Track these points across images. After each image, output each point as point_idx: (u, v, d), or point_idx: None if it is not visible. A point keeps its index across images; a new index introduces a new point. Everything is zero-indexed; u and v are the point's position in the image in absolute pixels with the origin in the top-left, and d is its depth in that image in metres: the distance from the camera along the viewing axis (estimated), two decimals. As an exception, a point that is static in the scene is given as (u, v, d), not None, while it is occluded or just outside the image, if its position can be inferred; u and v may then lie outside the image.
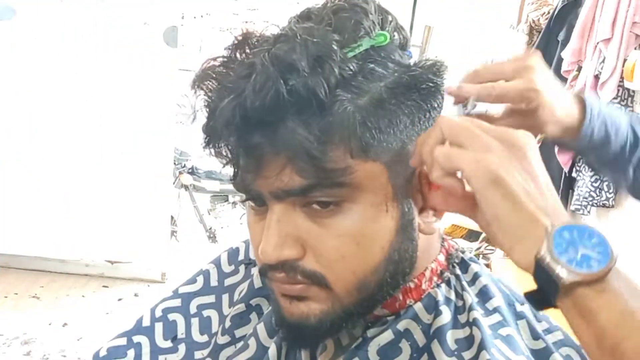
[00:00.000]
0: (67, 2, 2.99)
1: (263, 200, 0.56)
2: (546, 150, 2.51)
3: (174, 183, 3.67)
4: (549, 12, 2.72)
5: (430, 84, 0.56)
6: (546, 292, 0.47)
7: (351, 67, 0.53)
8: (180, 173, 3.81)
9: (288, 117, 0.51)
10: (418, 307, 0.61)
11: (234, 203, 4.08)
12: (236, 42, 0.55)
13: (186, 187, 3.85)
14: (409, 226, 0.57)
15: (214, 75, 0.54)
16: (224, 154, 0.55)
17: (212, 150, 0.55)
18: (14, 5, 2.99)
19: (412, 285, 0.62)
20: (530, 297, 0.50)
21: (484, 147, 0.49)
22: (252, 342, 0.68)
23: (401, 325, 0.60)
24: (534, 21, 2.80)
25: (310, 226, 0.55)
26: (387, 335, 0.60)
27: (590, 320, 0.45)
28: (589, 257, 0.46)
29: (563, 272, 0.45)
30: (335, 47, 0.52)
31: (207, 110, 0.54)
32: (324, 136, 0.51)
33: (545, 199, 0.49)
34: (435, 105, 0.57)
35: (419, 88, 0.56)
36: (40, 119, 3.08)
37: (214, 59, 0.55)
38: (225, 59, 0.55)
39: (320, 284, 0.56)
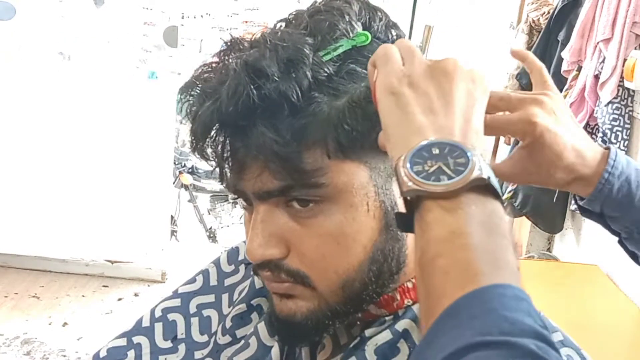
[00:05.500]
0: (66, 2, 2.99)
1: (250, 200, 0.58)
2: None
3: (174, 183, 3.67)
4: (549, 12, 2.72)
5: None
6: (405, 204, 0.46)
7: (326, 69, 0.53)
8: (180, 173, 3.81)
9: (259, 122, 0.52)
10: (417, 307, 0.61)
11: (234, 203, 4.08)
12: (225, 47, 0.57)
13: (186, 187, 3.85)
14: (394, 225, 0.57)
15: (197, 82, 0.56)
16: (210, 156, 0.57)
17: (198, 153, 0.57)
18: (14, 5, 2.99)
19: (409, 285, 0.62)
20: (398, 215, 0.49)
21: (416, 65, 0.50)
22: (252, 340, 0.68)
23: (400, 326, 0.60)
24: (534, 21, 2.80)
25: (293, 226, 0.56)
26: (385, 335, 0.60)
27: (423, 233, 0.44)
28: (442, 172, 0.43)
29: (406, 180, 0.44)
30: (307, 51, 0.52)
31: (191, 114, 0.56)
32: (296, 139, 0.52)
33: (449, 119, 0.47)
34: None
35: None
36: (39, 119, 3.08)
37: (206, 65, 0.57)
38: (214, 64, 0.56)
39: (304, 283, 0.57)
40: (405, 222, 0.47)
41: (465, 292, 0.39)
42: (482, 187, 0.44)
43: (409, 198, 0.45)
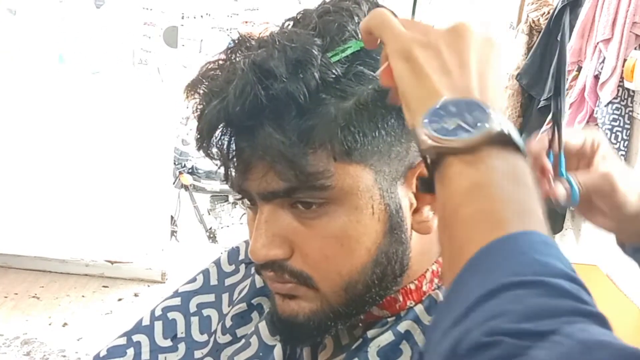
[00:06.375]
0: (66, 2, 2.99)
1: (255, 200, 0.57)
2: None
3: (174, 183, 3.67)
4: (549, 12, 2.72)
5: None
6: (426, 165, 0.46)
7: (334, 71, 0.53)
8: (180, 173, 3.81)
9: (266, 122, 0.52)
10: (419, 309, 0.61)
11: (234, 203, 4.08)
12: (232, 45, 0.56)
13: (186, 187, 3.85)
14: (398, 228, 0.57)
15: (204, 80, 0.55)
16: (215, 155, 0.56)
17: (204, 152, 0.56)
18: (14, 5, 2.99)
19: (412, 286, 0.62)
20: (421, 179, 0.50)
21: (420, 30, 0.49)
22: (253, 340, 0.68)
23: (402, 327, 0.60)
24: (534, 21, 2.79)
25: (297, 227, 0.55)
26: (388, 337, 0.60)
27: (445, 187, 0.44)
28: (461, 128, 0.43)
29: (425, 138, 0.44)
30: (316, 52, 0.52)
31: (198, 113, 0.55)
32: (303, 140, 0.52)
33: (465, 78, 0.46)
34: None
35: None
36: (39, 119, 3.08)
37: (212, 62, 0.56)
38: (221, 62, 0.56)
39: (307, 284, 0.57)
40: (426, 183, 0.47)
41: (492, 239, 0.39)
42: (504, 142, 0.43)
43: (428, 158, 0.45)
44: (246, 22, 3.73)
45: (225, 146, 0.55)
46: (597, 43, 2.25)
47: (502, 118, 0.44)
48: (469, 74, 0.46)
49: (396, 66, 0.48)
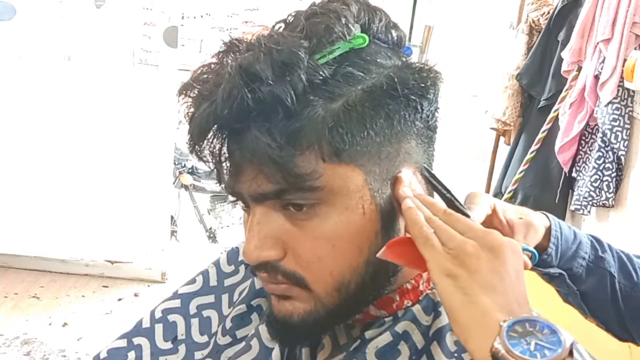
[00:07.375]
0: (66, 2, 2.99)
1: (248, 202, 0.58)
2: (546, 150, 2.52)
3: (174, 183, 3.67)
4: (549, 12, 2.72)
5: (414, 89, 0.56)
6: None
7: (322, 73, 0.53)
8: (180, 173, 3.81)
9: (253, 125, 0.52)
10: (417, 309, 0.61)
11: (234, 203, 4.07)
12: (224, 48, 0.56)
13: (186, 187, 3.85)
14: (390, 228, 0.57)
15: (194, 84, 0.56)
16: (207, 158, 0.57)
17: (196, 155, 0.57)
18: (14, 5, 2.99)
19: (408, 286, 0.62)
20: None
21: (457, 247, 0.52)
22: (254, 342, 0.69)
23: (400, 327, 0.60)
24: (534, 21, 2.79)
25: (289, 228, 0.56)
26: (386, 337, 0.60)
27: None
28: (542, 347, 0.47)
29: None
30: (302, 54, 0.52)
31: (189, 116, 0.56)
32: (290, 142, 0.52)
33: (508, 296, 0.50)
34: (419, 108, 0.57)
35: (400, 92, 0.55)
36: (39, 119, 3.08)
37: (205, 66, 0.57)
38: (212, 65, 0.56)
39: (300, 284, 0.57)
40: None
41: None
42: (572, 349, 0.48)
43: None
44: (246, 22, 3.73)
45: (216, 149, 0.56)
46: (597, 43, 2.25)
47: (564, 330, 0.49)
48: (510, 289, 0.51)
49: (439, 282, 0.52)
